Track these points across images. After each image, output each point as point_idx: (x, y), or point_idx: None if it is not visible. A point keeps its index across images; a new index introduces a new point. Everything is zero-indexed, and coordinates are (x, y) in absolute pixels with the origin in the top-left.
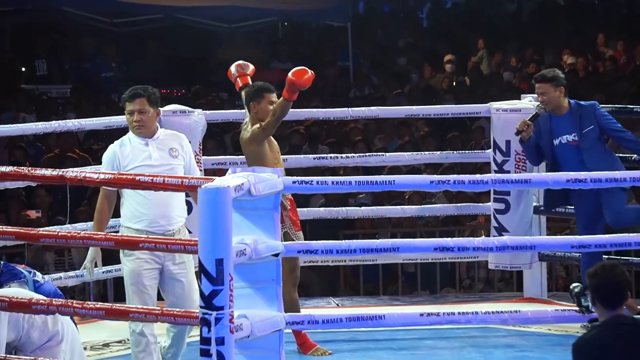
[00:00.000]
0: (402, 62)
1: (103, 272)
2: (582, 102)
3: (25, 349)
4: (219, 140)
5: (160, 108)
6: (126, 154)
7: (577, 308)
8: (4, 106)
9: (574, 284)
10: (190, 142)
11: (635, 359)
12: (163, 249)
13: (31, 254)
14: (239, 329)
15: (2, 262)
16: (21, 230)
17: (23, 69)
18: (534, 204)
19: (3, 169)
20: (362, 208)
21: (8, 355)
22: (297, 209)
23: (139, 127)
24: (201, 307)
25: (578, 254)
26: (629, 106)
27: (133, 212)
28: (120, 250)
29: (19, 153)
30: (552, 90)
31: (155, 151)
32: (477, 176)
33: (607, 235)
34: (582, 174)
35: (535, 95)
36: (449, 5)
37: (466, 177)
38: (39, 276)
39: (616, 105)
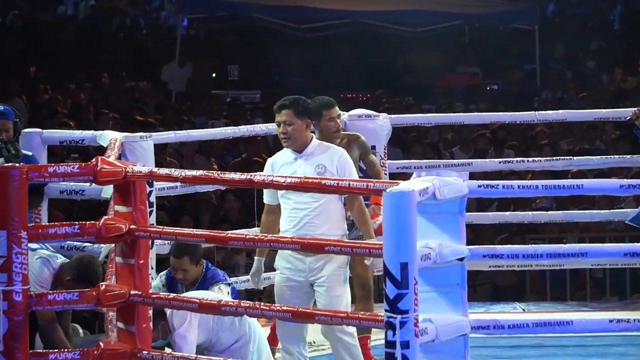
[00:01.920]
0: (590, 66)
1: None
2: None
3: (214, 350)
4: (403, 145)
5: (311, 117)
6: (277, 169)
7: None
8: (196, 111)
9: None
10: (375, 146)
11: None
12: (348, 252)
13: (221, 256)
14: (424, 332)
15: (207, 263)
16: (211, 233)
17: (214, 75)
18: None
19: (194, 172)
20: (549, 212)
21: (199, 356)
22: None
23: (286, 140)
24: (386, 310)
25: None
26: None
27: (282, 226)
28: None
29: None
30: None
31: (301, 167)
32: None
33: None
34: None
35: None
36: None
37: None
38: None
39: None
